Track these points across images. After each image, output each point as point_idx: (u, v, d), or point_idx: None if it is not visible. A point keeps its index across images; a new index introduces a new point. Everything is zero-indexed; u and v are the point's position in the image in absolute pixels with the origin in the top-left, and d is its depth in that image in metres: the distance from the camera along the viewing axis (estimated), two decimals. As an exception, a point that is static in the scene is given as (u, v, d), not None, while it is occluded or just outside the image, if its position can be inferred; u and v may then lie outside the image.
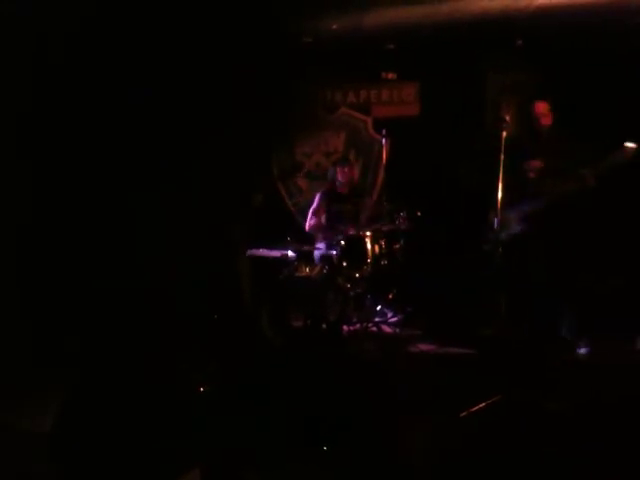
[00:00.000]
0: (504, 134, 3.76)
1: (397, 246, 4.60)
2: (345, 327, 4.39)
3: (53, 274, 4.02)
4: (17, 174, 3.86)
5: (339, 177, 4.86)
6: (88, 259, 4.14)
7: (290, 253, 4.55)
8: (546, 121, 3.95)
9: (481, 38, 4.40)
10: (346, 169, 4.86)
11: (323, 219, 4.88)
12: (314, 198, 4.97)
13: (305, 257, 4.62)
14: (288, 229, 4.98)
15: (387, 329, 4.49)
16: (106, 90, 4.19)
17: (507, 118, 3.84)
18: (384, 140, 5.25)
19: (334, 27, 4.40)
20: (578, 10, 3.87)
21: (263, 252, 4.66)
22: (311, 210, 4.92)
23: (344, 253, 4.49)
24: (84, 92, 4.10)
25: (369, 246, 4.52)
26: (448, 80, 5.11)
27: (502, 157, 3.76)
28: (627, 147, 3.55)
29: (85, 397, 3.00)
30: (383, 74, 5.40)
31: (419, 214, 4.55)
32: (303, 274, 4.47)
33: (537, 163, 3.93)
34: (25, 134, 3.89)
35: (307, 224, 4.93)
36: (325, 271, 4.50)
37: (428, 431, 3.10)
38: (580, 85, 4.48)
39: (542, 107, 3.97)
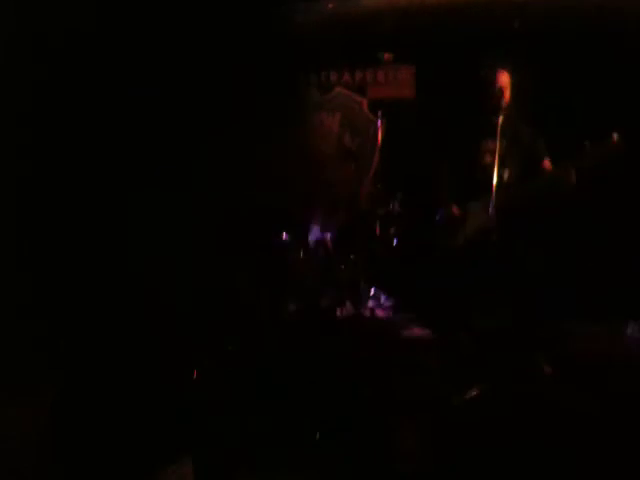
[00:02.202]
0: (500, 119, 3.66)
1: (392, 230, 4.60)
2: (339, 312, 4.40)
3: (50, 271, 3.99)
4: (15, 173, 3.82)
5: (346, 172, 4.82)
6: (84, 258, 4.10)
7: (284, 236, 4.54)
8: (507, 95, 3.76)
9: (479, 22, 4.33)
10: (352, 164, 4.85)
11: (318, 203, 4.87)
12: (308, 180, 4.94)
13: (300, 240, 4.61)
14: (284, 213, 4.95)
15: (381, 313, 4.50)
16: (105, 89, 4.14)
17: (504, 101, 3.73)
18: (380, 121, 5.23)
19: (330, 6, 4.33)
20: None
21: (258, 236, 4.63)
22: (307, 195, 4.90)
23: (338, 237, 4.49)
24: (82, 92, 4.04)
25: (363, 230, 4.52)
26: (444, 62, 5.06)
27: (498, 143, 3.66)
28: (614, 139, 3.41)
29: (75, 392, 3.02)
30: (379, 55, 5.35)
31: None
32: (296, 258, 4.46)
33: (493, 145, 3.66)
34: (23, 134, 3.84)
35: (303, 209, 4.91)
36: (319, 255, 4.49)
37: (422, 422, 3.14)
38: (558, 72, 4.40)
39: (505, 78, 3.79)
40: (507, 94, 3.74)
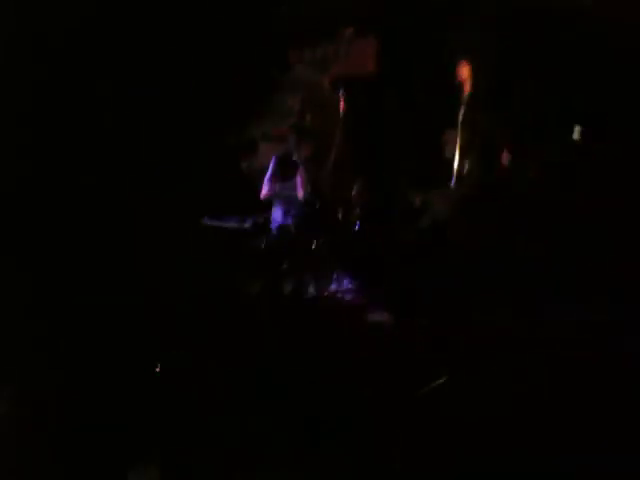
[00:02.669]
0: (461, 109, 3.66)
1: (354, 213, 4.59)
2: (301, 296, 4.42)
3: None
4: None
5: (305, 151, 4.76)
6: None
7: (246, 224, 4.50)
8: (467, 87, 3.75)
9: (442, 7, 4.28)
10: (312, 143, 4.78)
11: (278, 186, 4.81)
12: (269, 163, 4.88)
13: (261, 227, 4.58)
14: (243, 194, 4.91)
15: (344, 297, 4.53)
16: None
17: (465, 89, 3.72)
18: (342, 100, 5.17)
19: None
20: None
21: (219, 222, 4.60)
22: (267, 177, 4.84)
23: (300, 223, 4.47)
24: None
25: (326, 214, 4.51)
26: (407, 38, 5.00)
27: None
28: (576, 134, 3.44)
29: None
30: (340, 30, 5.24)
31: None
32: (258, 245, 4.45)
33: (453, 135, 3.72)
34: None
35: (262, 191, 4.86)
36: (281, 242, 4.48)
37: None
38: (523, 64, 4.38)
39: (467, 71, 3.78)
40: (468, 85, 3.73)
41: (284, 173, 4.78)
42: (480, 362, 3.48)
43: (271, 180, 4.82)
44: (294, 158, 4.81)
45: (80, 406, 3.18)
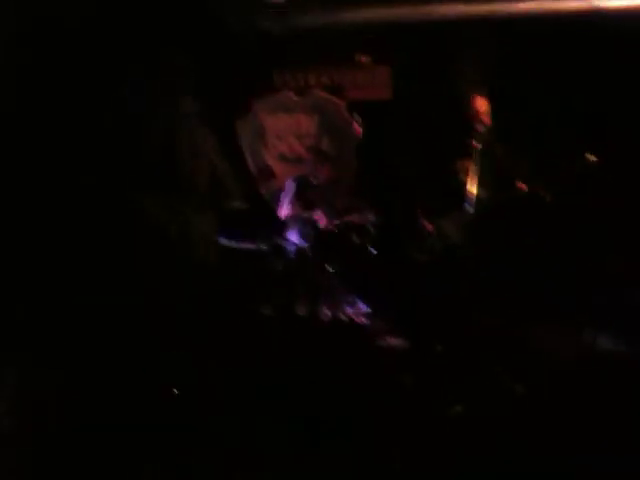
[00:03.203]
0: (475, 142, 3.72)
1: (369, 238, 4.65)
2: (315, 319, 4.46)
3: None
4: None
5: (323, 174, 4.82)
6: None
7: (263, 245, 4.56)
8: (486, 120, 3.83)
9: (456, 37, 4.36)
10: (330, 166, 4.85)
11: (296, 207, 4.87)
12: (287, 184, 4.95)
13: (278, 249, 4.64)
14: (261, 216, 4.99)
15: (358, 320, 4.57)
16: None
17: (483, 122, 3.77)
18: (358, 124, 5.26)
19: (307, 20, 4.32)
20: (561, 18, 3.84)
21: (235, 243, 4.66)
22: (285, 197, 4.90)
23: (316, 245, 4.52)
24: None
25: (341, 238, 4.56)
26: (421, 65, 5.08)
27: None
28: (587, 159, 3.50)
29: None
30: (357, 57, 5.34)
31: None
32: (275, 267, 4.50)
33: (471, 164, 3.79)
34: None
35: (281, 212, 4.92)
36: (297, 264, 4.53)
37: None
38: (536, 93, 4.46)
39: (484, 104, 3.86)
40: (486, 118, 3.81)
41: (302, 195, 4.84)
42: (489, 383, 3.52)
43: (289, 202, 4.88)
44: (312, 180, 4.88)
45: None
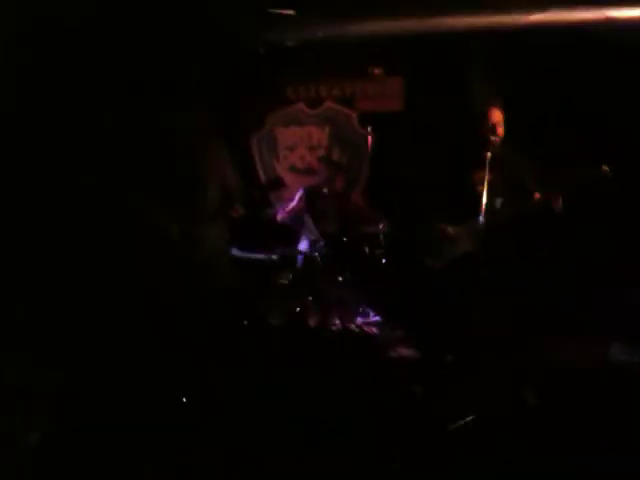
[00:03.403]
0: (489, 154, 3.71)
1: (380, 248, 4.65)
2: (326, 328, 4.45)
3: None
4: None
5: (336, 185, 4.81)
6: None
7: (273, 256, 4.57)
8: (500, 132, 3.85)
9: (468, 48, 4.37)
10: (342, 177, 4.85)
11: (307, 217, 4.88)
12: (297, 194, 4.95)
13: (288, 259, 4.64)
14: (271, 227, 4.99)
15: (369, 330, 4.56)
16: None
17: (497, 134, 3.77)
18: (369, 135, 5.28)
19: (319, 34, 4.36)
20: (569, 28, 3.84)
21: (246, 254, 4.67)
22: (290, 205, 4.90)
23: (326, 256, 4.53)
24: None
25: (352, 248, 4.57)
26: (433, 76, 5.10)
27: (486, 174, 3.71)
28: (603, 171, 3.50)
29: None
30: (368, 68, 5.37)
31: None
32: (285, 278, 4.51)
33: (484, 175, 3.77)
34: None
35: (279, 215, 4.89)
36: (307, 274, 4.53)
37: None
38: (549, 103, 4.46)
39: (498, 115, 3.87)
40: (500, 130, 3.80)
41: (313, 205, 4.85)
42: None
43: (299, 211, 4.88)
44: (323, 190, 4.89)
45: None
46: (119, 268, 3.96)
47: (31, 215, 3.87)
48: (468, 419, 3.27)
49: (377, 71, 5.34)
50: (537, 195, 3.71)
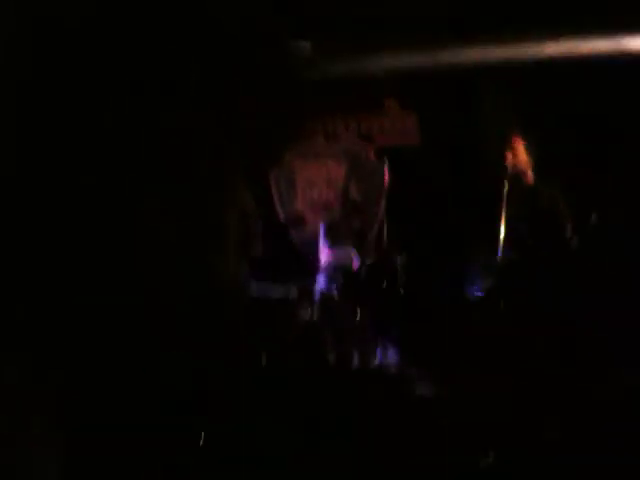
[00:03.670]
0: (506, 182, 3.70)
1: (398, 283, 4.60)
2: (345, 368, 4.39)
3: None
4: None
5: (353, 224, 4.79)
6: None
7: (291, 292, 4.55)
8: (516, 163, 3.82)
9: (483, 81, 4.38)
10: (359, 216, 4.84)
11: (327, 252, 4.85)
12: (318, 229, 4.94)
13: (306, 295, 4.61)
14: (291, 263, 4.98)
15: (389, 368, 4.48)
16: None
17: (518, 166, 3.75)
18: (386, 169, 5.28)
19: (336, 69, 4.39)
20: (586, 63, 3.82)
21: (264, 290, 4.65)
22: (321, 243, 4.88)
23: (345, 291, 4.49)
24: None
25: (370, 283, 4.52)
26: (449, 111, 5.10)
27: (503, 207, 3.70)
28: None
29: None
30: (385, 103, 5.39)
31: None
32: (303, 315, 4.47)
33: (500, 207, 3.76)
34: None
35: (322, 257, 4.87)
36: (325, 310, 4.49)
37: None
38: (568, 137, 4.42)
39: (513, 148, 3.86)
40: (516, 162, 3.79)
41: (332, 241, 4.83)
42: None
43: (320, 248, 4.86)
44: (341, 225, 4.87)
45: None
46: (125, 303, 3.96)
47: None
48: (489, 458, 3.20)
49: (393, 106, 5.35)
50: (557, 228, 3.67)
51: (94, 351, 3.67)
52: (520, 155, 3.88)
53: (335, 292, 4.55)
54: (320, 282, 4.73)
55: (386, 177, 5.29)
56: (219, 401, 3.70)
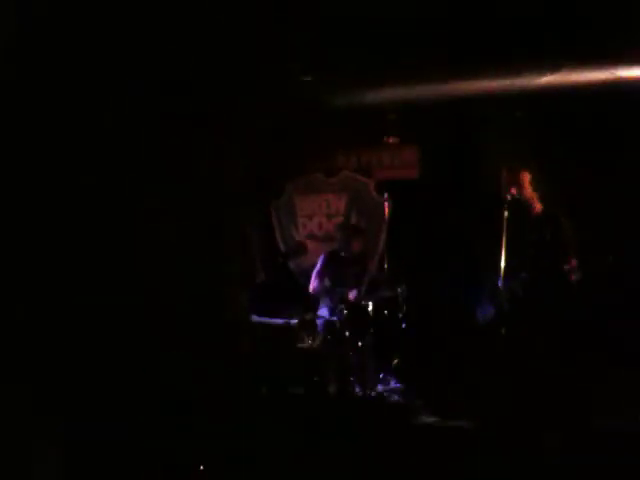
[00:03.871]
0: (506, 214, 3.75)
1: (400, 313, 4.59)
2: (347, 396, 4.34)
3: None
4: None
5: (354, 247, 4.82)
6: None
7: (292, 321, 4.53)
8: (516, 193, 3.88)
9: (480, 112, 4.47)
10: (360, 239, 4.86)
11: (327, 282, 4.84)
12: (318, 260, 4.96)
13: (308, 324, 4.59)
14: (291, 292, 4.98)
15: (390, 398, 4.44)
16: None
17: (510, 195, 3.81)
18: (386, 203, 5.33)
19: (336, 104, 4.49)
20: (582, 90, 3.92)
21: (266, 319, 4.64)
22: (315, 272, 4.90)
23: (346, 321, 4.47)
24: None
25: (371, 314, 4.52)
26: (447, 144, 5.18)
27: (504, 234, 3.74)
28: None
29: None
30: (384, 138, 5.48)
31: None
32: (304, 344, 4.45)
33: (499, 238, 3.80)
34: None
35: (311, 286, 4.90)
36: (327, 340, 4.47)
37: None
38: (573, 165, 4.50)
39: (527, 178, 3.93)
40: (516, 191, 3.86)
41: (333, 270, 4.82)
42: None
43: (320, 276, 4.85)
44: (342, 256, 4.86)
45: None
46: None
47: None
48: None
49: (392, 140, 5.44)
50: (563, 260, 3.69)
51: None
52: (520, 185, 3.93)
53: (337, 321, 4.54)
54: (322, 311, 4.72)
55: (386, 210, 5.35)
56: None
